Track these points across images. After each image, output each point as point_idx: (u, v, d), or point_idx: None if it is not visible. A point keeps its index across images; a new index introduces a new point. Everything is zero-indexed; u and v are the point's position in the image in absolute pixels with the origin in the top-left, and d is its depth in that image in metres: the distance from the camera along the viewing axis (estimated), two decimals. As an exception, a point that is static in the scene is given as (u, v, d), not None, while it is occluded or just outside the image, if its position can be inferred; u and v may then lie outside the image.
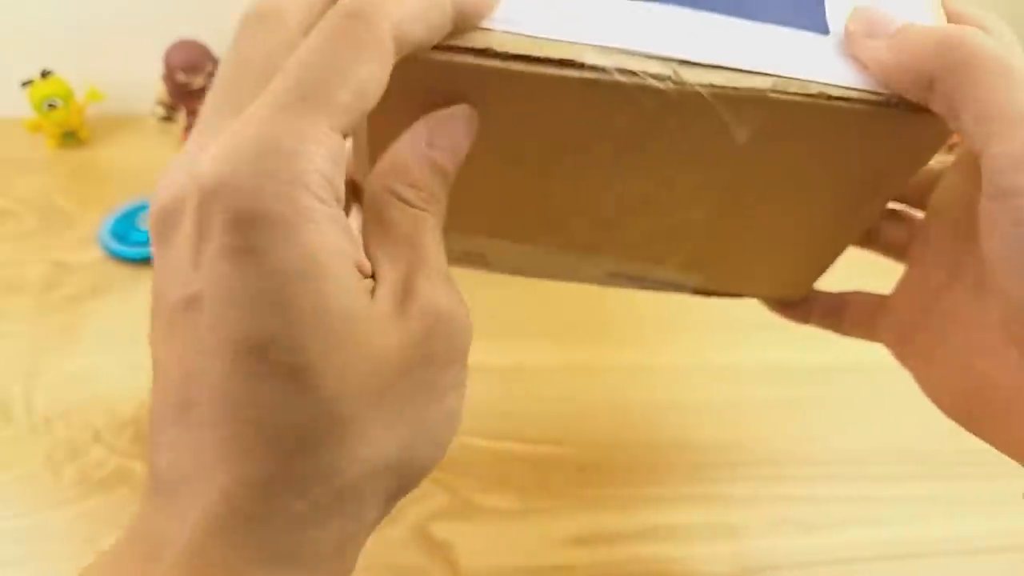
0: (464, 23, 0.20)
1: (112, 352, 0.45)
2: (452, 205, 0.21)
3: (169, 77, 0.57)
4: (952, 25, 0.22)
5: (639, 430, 0.42)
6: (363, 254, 0.19)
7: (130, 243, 0.51)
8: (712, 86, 0.21)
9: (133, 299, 0.49)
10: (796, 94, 0.21)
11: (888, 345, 0.29)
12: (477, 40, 0.20)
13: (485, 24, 0.20)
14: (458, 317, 0.19)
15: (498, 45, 0.20)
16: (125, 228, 0.52)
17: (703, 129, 0.22)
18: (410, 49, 0.19)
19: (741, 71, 0.21)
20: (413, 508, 0.38)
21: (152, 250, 0.19)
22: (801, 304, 0.32)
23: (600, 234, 0.28)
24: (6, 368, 0.44)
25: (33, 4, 0.59)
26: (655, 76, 0.21)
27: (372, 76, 0.18)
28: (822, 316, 0.32)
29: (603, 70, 0.20)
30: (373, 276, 0.19)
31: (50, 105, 0.56)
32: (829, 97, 0.21)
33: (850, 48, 0.22)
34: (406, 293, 0.19)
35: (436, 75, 0.20)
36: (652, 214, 0.26)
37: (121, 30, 0.60)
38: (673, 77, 0.21)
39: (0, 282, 0.49)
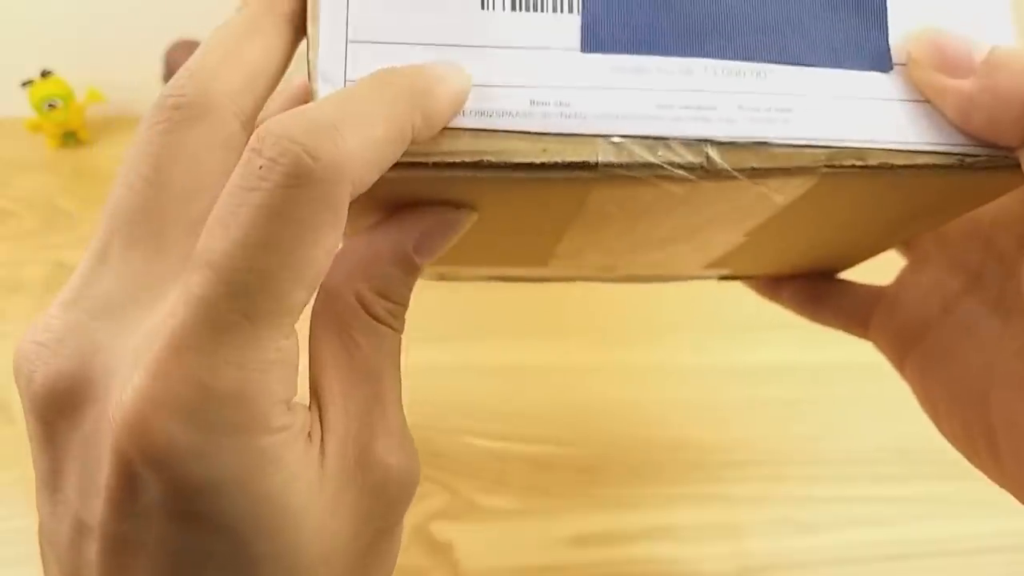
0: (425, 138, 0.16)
1: (112, 352, 0.45)
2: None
3: (169, 77, 0.57)
4: None
5: (639, 430, 0.42)
6: (314, 416, 0.16)
7: (130, 243, 0.51)
8: (752, 169, 0.18)
9: (133, 299, 0.48)
10: (852, 167, 0.18)
11: (881, 347, 0.27)
12: (461, 145, 0.17)
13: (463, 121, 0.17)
14: (411, 476, 0.17)
15: (494, 155, 0.17)
16: (125, 228, 0.52)
17: (737, 198, 0.19)
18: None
19: (785, 146, 0.18)
20: (413, 508, 0.38)
21: (32, 427, 0.16)
22: (773, 282, 0.30)
23: (610, 263, 0.27)
24: (6, 368, 0.44)
25: (33, 4, 0.59)
26: (683, 166, 0.17)
27: (328, 253, 0.14)
28: (797, 301, 0.29)
29: (621, 166, 0.17)
30: (318, 403, 0.16)
31: (50, 105, 0.56)
32: (892, 167, 0.18)
33: (918, 84, 0.18)
34: (361, 460, 0.16)
35: (412, 185, 0.17)
36: (670, 251, 0.25)
37: (121, 30, 0.60)
38: (705, 165, 0.17)
39: (0, 282, 0.49)
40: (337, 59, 0.17)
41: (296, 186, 0.13)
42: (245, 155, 0.14)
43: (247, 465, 0.14)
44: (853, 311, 0.28)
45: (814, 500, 0.40)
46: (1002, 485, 0.23)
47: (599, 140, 0.17)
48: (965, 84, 0.17)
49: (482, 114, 0.17)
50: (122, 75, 0.60)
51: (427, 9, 0.17)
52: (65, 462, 0.15)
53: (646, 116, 0.17)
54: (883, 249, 0.27)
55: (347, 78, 0.17)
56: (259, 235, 0.13)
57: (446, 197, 0.18)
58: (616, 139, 0.17)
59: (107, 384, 0.15)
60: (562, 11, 0.17)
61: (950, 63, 0.17)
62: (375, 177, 0.15)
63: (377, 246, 0.17)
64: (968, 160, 0.18)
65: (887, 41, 0.18)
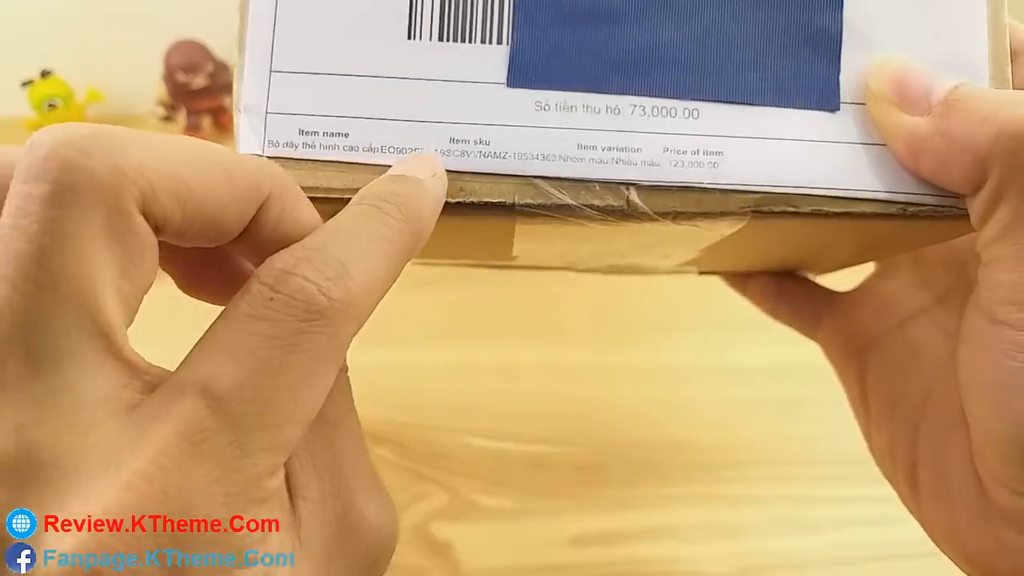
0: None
1: (112, 352, 0.45)
2: None
3: (169, 77, 0.57)
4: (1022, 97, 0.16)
5: (639, 430, 0.42)
6: None
7: (130, 243, 0.51)
8: (676, 212, 0.17)
9: (133, 299, 0.48)
10: (783, 212, 0.17)
11: (828, 351, 0.27)
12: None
13: (380, 156, 0.17)
14: (393, 531, 0.16)
15: None
16: (125, 228, 0.52)
17: (670, 231, 0.19)
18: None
19: (711, 190, 0.17)
20: (413, 508, 0.38)
21: None
22: (742, 275, 0.30)
23: (576, 262, 0.27)
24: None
25: (33, 4, 0.59)
26: (602, 209, 0.17)
27: (325, 392, 0.14)
28: (760, 296, 0.29)
29: (539, 207, 0.17)
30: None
31: (50, 105, 0.56)
32: (826, 214, 0.17)
33: (873, 117, 0.17)
34: (344, 522, 0.15)
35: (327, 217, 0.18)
36: (630, 259, 0.25)
37: (121, 30, 0.60)
38: (625, 208, 0.17)
39: (0, 282, 0.49)
40: (260, 90, 0.17)
41: (308, 321, 0.13)
42: (252, 285, 0.13)
43: None
44: (807, 311, 0.28)
45: (814, 500, 0.40)
46: (914, 516, 0.22)
47: (518, 180, 0.17)
48: (919, 123, 0.16)
49: (401, 150, 0.17)
50: (122, 75, 0.60)
51: (353, 38, 0.17)
52: None
53: (567, 157, 0.17)
54: (853, 264, 0.27)
55: (268, 110, 0.17)
56: (267, 367, 0.13)
57: None
58: (535, 180, 0.17)
59: (57, 478, 0.12)
60: (491, 41, 0.17)
61: (907, 99, 0.16)
62: (372, 311, 0.14)
63: None
64: (911, 209, 0.17)
65: (838, 79, 0.17)
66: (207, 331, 0.14)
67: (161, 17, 0.58)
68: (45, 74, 0.57)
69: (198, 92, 0.57)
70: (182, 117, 0.59)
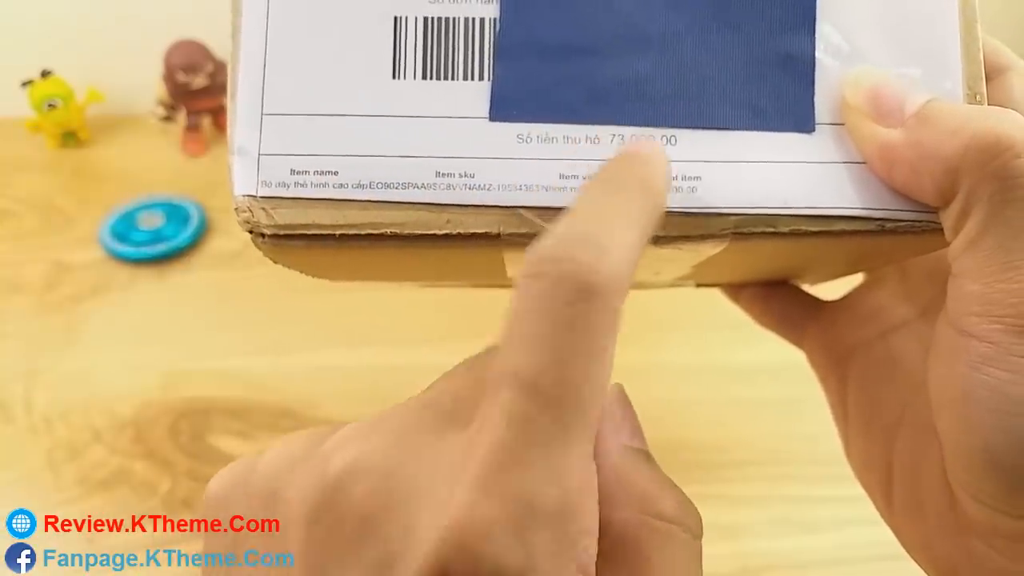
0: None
1: (112, 352, 0.45)
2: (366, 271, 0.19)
3: (169, 77, 0.57)
4: (995, 112, 0.16)
5: (639, 430, 0.42)
6: None
7: (130, 243, 0.51)
8: (656, 236, 0.17)
9: (133, 299, 0.48)
10: (762, 233, 0.17)
11: (812, 358, 0.27)
12: (367, 218, 0.17)
13: (356, 191, 0.17)
14: None
15: (398, 227, 0.17)
16: (125, 228, 0.52)
17: (655, 253, 0.19)
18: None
19: (692, 214, 0.17)
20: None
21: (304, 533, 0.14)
22: (737, 285, 0.30)
23: None
24: (6, 368, 0.44)
25: (33, 4, 0.59)
26: None
27: (611, 364, 0.14)
28: (750, 303, 0.30)
29: (523, 235, 0.17)
30: None
31: (50, 105, 0.57)
32: (805, 232, 0.17)
33: (849, 129, 0.17)
34: None
35: (321, 254, 0.18)
36: None
37: (121, 30, 0.60)
38: None
39: (0, 282, 0.49)
40: (252, 133, 0.17)
41: (585, 301, 0.13)
42: (525, 281, 0.14)
43: None
44: (793, 318, 0.28)
45: (814, 500, 0.40)
46: (887, 523, 0.23)
47: (503, 211, 0.17)
48: (893, 135, 0.17)
49: (388, 186, 0.17)
50: (122, 75, 0.60)
51: (340, 80, 0.17)
52: None
53: (549, 187, 0.17)
54: (843, 276, 0.27)
55: (260, 152, 0.17)
56: (563, 350, 0.13)
57: (364, 259, 0.18)
58: (520, 210, 0.17)
59: (409, 505, 0.14)
60: (472, 78, 0.18)
61: (882, 111, 0.17)
62: (632, 278, 0.15)
63: (616, 463, 0.17)
64: (888, 225, 0.17)
65: (812, 100, 0.18)
66: (505, 326, 0.14)
67: (161, 17, 0.58)
68: (45, 74, 0.57)
69: (198, 92, 0.57)
70: (182, 117, 0.59)
